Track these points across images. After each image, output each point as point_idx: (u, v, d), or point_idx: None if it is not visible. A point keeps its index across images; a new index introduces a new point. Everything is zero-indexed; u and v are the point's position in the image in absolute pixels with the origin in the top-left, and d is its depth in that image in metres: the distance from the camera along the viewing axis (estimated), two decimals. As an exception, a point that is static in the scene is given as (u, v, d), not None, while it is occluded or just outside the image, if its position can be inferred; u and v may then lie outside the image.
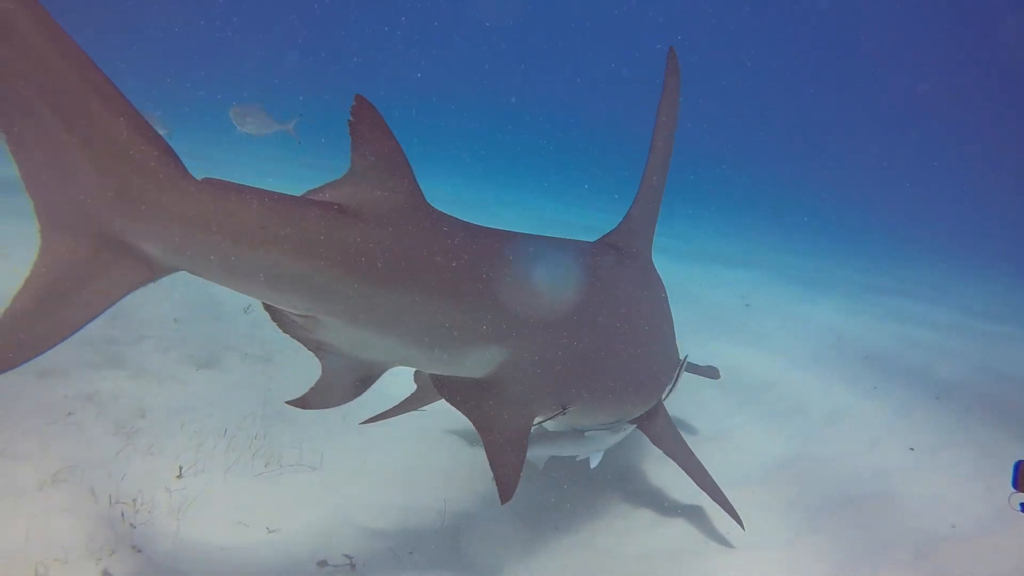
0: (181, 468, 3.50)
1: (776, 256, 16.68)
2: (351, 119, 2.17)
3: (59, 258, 2.12)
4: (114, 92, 2.01)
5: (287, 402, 2.96)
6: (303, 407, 2.91)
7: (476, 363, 2.69)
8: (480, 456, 4.29)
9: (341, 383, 2.86)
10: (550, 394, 2.92)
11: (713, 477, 3.82)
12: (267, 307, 2.53)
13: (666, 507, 4.09)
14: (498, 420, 2.71)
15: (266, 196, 2.19)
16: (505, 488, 2.64)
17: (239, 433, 4.00)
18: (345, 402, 2.86)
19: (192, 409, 4.18)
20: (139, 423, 3.89)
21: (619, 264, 3.63)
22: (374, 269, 2.28)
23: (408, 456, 4.16)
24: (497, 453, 2.66)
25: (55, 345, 2.10)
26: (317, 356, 2.80)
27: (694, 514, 4.02)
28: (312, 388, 2.90)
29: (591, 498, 4.06)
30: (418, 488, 3.83)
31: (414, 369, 3.46)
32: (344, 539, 3.25)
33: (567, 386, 2.98)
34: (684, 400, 5.76)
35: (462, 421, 4.65)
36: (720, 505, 3.72)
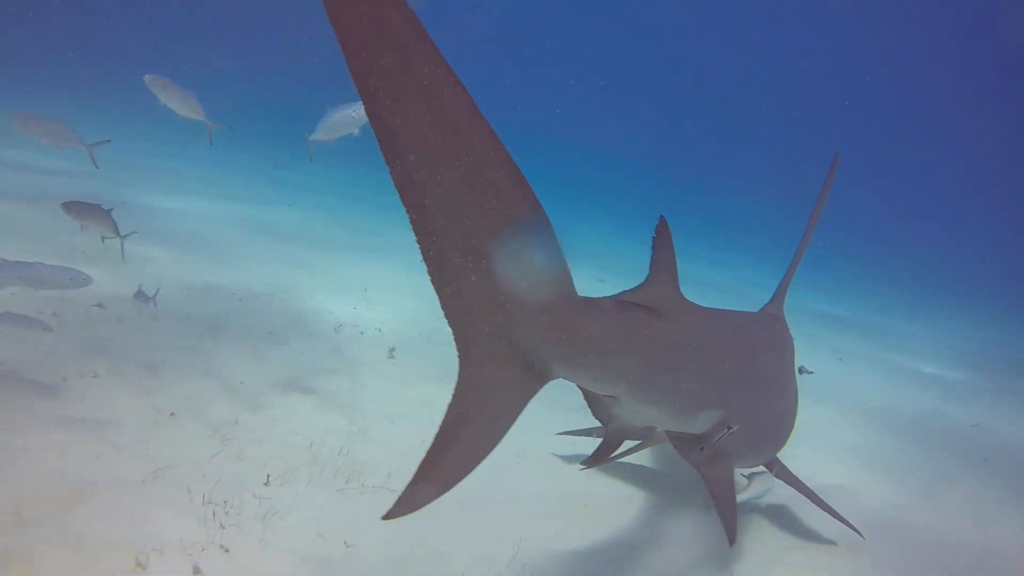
0: (268, 476, 3.67)
1: (866, 314, 16.10)
2: (656, 237, 2.68)
3: (483, 384, 2.33)
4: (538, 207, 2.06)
5: (587, 462, 4.27)
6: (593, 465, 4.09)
7: (703, 422, 3.29)
8: (551, 490, 4.31)
9: (613, 445, 3.98)
10: (743, 444, 3.63)
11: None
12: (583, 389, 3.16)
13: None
14: (716, 466, 3.45)
15: (620, 307, 2.62)
16: (729, 524, 3.44)
17: (323, 448, 4.16)
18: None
19: (280, 420, 4.38)
20: (233, 430, 4.10)
21: (779, 331, 4.36)
22: (666, 357, 2.84)
23: (483, 486, 4.18)
24: (720, 492, 3.44)
25: (481, 461, 2.46)
26: (604, 425, 3.87)
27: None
28: (596, 451, 4.10)
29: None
30: (493, 517, 3.88)
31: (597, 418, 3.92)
32: (417, 560, 3.32)
33: (751, 439, 3.74)
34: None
35: (534, 453, 4.72)
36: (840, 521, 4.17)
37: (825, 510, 4.28)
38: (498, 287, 2.10)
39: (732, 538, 3.44)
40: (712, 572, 3.76)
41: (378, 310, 7.34)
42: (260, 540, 3.18)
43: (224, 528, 3.19)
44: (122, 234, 5.06)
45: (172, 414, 4.09)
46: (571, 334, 2.34)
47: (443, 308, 2.21)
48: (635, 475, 4.86)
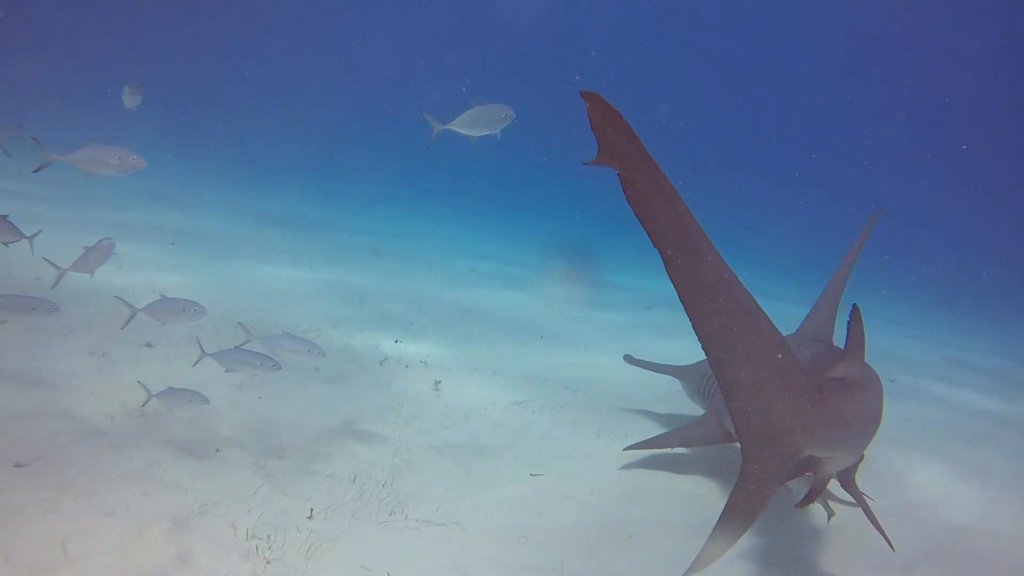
0: (312, 510, 3.67)
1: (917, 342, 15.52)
2: (851, 320, 3.56)
3: (760, 473, 3.16)
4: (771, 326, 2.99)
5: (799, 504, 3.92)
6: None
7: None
8: (598, 520, 4.21)
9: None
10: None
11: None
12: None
13: None
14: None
15: (848, 389, 3.47)
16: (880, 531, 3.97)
17: (368, 481, 4.15)
18: None
19: (327, 456, 4.39)
20: (277, 464, 4.13)
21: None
22: (868, 421, 3.63)
23: (528, 516, 4.15)
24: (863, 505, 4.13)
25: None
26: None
27: None
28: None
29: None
30: (536, 548, 3.80)
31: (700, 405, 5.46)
32: (461, 593, 3.27)
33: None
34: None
35: (579, 486, 4.63)
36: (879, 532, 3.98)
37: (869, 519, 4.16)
38: (773, 403, 3.06)
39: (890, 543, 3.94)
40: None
41: (423, 343, 7.37)
42: (303, 573, 3.17)
43: (269, 563, 3.19)
44: (27, 235, 4.70)
45: (217, 450, 4.13)
46: (829, 430, 3.25)
47: (732, 417, 3.13)
48: (677, 500, 4.72)
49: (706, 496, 4.84)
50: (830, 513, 4.54)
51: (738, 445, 3.27)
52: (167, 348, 5.60)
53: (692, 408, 6.23)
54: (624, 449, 5.29)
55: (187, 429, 4.31)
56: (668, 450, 5.52)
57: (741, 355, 2.96)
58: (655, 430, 5.99)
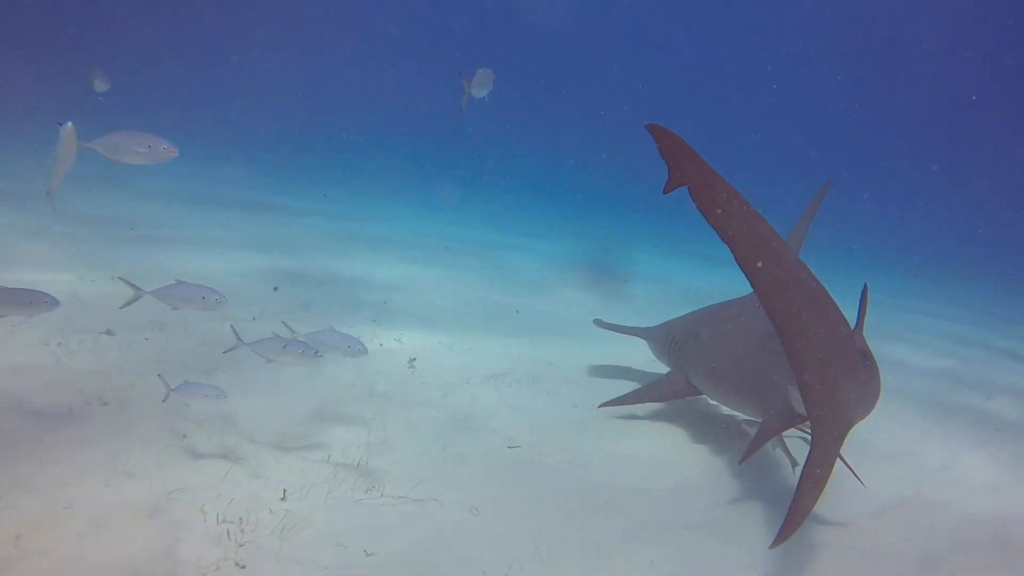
0: (285, 491, 3.57)
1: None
2: (863, 298, 3.85)
3: (827, 444, 3.49)
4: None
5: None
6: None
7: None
8: (575, 488, 4.16)
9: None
10: None
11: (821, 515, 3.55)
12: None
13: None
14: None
15: (870, 360, 3.97)
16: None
17: (342, 460, 4.05)
18: None
19: (300, 437, 4.28)
20: (247, 447, 4.01)
21: None
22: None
23: (505, 488, 4.08)
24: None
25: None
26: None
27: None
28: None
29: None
30: (513, 519, 3.74)
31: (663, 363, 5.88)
32: (439, 565, 3.20)
33: None
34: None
35: (556, 456, 4.58)
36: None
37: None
38: (840, 378, 3.45)
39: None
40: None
41: (396, 323, 7.25)
42: (277, 555, 3.08)
43: (242, 545, 3.09)
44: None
45: (184, 436, 4.00)
46: (873, 399, 3.87)
47: (804, 391, 3.38)
48: (653, 466, 4.69)
49: (683, 462, 4.82)
50: (794, 462, 4.60)
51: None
52: (128, 333, 5.42)
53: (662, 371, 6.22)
54: (599, 407, 5.39)
55: (151, 418, 4.15)
56: (645, 420, 5.52)
57: (814, 339, 3.30)
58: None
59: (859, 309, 3.87)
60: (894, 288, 19.47)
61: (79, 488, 3.31)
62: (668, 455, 4.88)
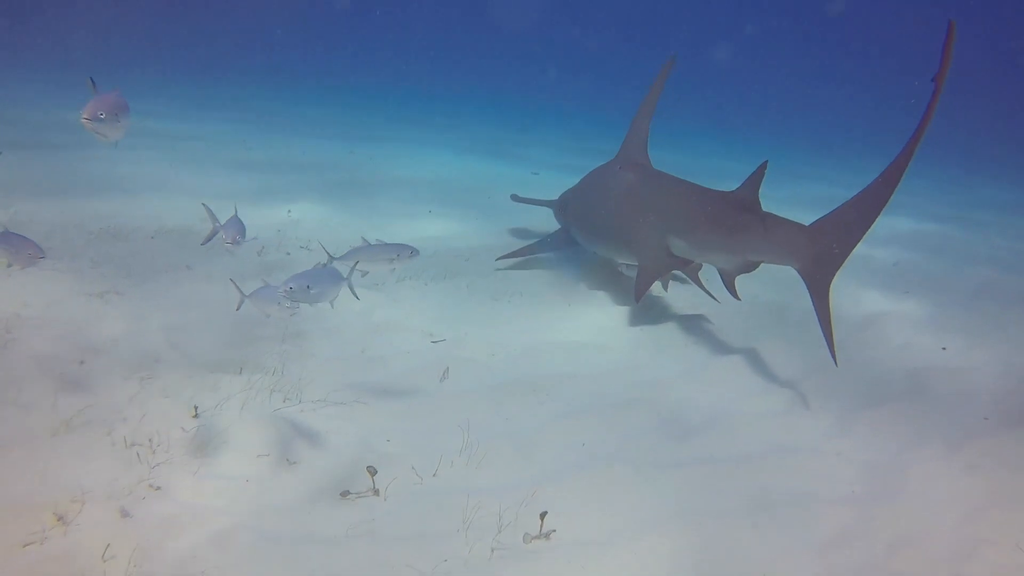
0: (196, 408, 3.42)
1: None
2: (757, 170, 4.54)
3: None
4: None
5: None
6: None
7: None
8: (501, 378, 4.19)
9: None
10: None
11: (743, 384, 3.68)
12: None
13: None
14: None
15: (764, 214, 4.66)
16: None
17: (256, 370, 3.91)
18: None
19: (207, 351, 4.09)
20: (153, 367, 3.81)
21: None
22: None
23: (431, 383, 4.06)
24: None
25: None
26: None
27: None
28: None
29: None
30: (441, 413, 3.74)
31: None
32: (366, 465, 3.17)
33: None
34: (719, 316, 5.61)
35: (479, 347, 4.58)
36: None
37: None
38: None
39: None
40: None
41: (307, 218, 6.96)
42: (195, 472, 2.97)
43: (154, 467, 2.96)
44: None
45: (81, 363, 3.75)
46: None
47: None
48: (575, 353, 4.77)
49: (604, 346, 4.91)
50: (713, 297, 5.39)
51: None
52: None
53: (575, 262, 6.27)
54: (496, 259, 5.77)
55: (44, 344, 3.86)
56: (567, 308, 5.56)
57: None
58: (545, 288, 6.01)
59: (752, 177, 4.51)
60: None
61: (-34, 425, 3.07)
62: (588, 340, 4.96)
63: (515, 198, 7.87)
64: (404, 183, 9.76)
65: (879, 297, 6.48)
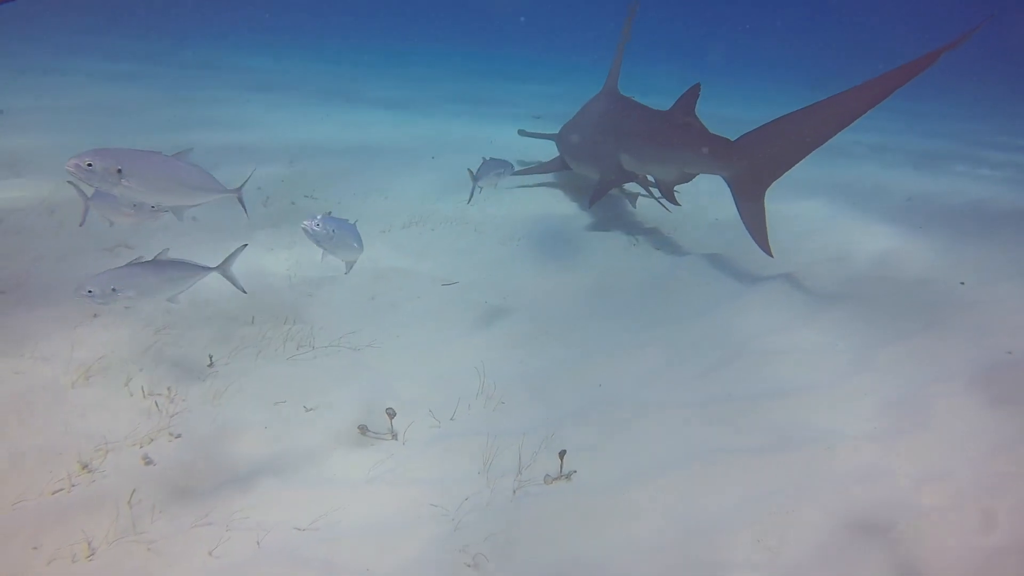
0: (211, 357, 3.43)
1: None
2: (689, 92, 5.32)
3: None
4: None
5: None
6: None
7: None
8: (515, 322, 4.17)
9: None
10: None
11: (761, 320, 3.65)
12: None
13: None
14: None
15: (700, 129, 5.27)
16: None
17: (269, 319, 3.91)
18: None
19: (218, 301, 4.07)
20: (164, 318, 3.80)
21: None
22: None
23: (443, 326, 4.05)
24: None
25: None
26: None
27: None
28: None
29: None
30: (454, 356, 3.74)
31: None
32: (383, 409, 3.18)
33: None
34: (738, 249, 5.56)
35: (491, 292, 4.55)
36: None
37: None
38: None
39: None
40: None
41: (309, 176, 6.88)
42: (214, 420, 2.99)
43: (174, 416, 2.98)
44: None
45: (95, 316, 3.74)
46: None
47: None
48: (587, 298, 4.74)
49: (610, 288, 4.87)
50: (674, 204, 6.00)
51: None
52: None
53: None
54: (512, 173, 5.44)
55: (53, 298, 3.85)
56: (573, 248, 5.51)
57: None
58: (549, 229, 5.96)
59: (685, 96, 5.27)
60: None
61: (-15, 379, 3.08)
62: (594, 283, 4.93)
63: (522, 133, 8.40)
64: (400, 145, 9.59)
65: (893, 232, 6.39)
